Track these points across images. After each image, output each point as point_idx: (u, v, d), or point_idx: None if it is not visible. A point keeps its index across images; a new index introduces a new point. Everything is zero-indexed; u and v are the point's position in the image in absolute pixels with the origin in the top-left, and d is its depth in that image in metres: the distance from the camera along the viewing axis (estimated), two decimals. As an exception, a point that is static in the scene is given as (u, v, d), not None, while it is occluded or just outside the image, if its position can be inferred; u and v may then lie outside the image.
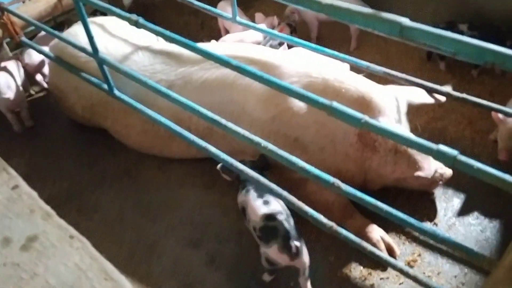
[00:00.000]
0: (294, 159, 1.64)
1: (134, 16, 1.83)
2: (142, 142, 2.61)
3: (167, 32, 1.76)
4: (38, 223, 1.06)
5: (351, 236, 1.65)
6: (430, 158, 2.15)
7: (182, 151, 2.56)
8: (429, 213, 2.22)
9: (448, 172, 2.17)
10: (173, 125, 2.12)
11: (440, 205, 2.25)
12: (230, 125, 1.81)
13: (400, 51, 3.25)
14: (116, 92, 2.39)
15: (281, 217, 1.88)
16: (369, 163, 2.12)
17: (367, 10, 1.09)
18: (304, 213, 1.71)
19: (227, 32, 3.54)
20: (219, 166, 2.12)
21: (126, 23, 2.54)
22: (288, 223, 1.87)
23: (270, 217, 1.89)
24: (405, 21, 1.03)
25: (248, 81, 2.16)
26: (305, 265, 1.87)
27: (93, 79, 2.47)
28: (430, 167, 2.08)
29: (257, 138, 1.74)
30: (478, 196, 2.25)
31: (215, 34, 3.91)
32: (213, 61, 1.68)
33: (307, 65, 2.21)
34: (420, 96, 2.34)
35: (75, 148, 2.86)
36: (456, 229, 2.14)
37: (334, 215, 2.14)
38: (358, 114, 1.28)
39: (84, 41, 2.54)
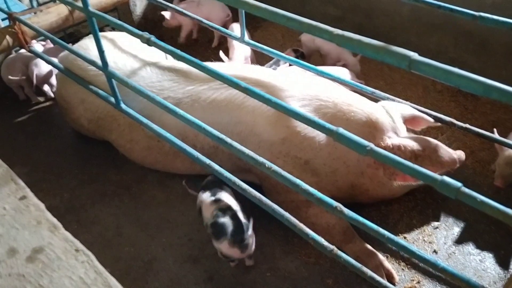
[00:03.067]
0: (297, 181, 1.66)
1: (146, 34, 1.87)
2: (145, 157, 2.63)
3: (178, 51, 1.79)
4: (45, 235, 1.07)
5: (351, 261, 1.65)
6: (449, 149, 2.21)
7: (186, 167, 2.58)
8: (430, 240, 2.23)
9: (462, 154, 2.28)
10: (179, 141, 2.14)
11: (441, 233, 2.26)
12: (235, 144, 1.83)
13: (404, 78, 3.30)
14: (123, 105, 2.42)
15: (229, 213, 2.02)
16: (392, 177, 2.13)
17: (377, 42, 1.12)
18: (305, 235, 1.72)
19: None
20: (184, 181, 2.31)
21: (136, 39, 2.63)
22: (238, 218, 2.01)
23: (219, 213, 2.02)
24: (414, 55, 1.06)
25: (257, 102, 2.18)
26: (252, 252, 2.04)
27: (100, 92, 2.50)
28: (452, 156, 2.16)
29: (261, 159, 1.75)
30: (478, 226, 2.26)
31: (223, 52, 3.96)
32: (222, 82, 1.71)
33: (316, 87, 2.24)
34: (409, 109, 2.39)
35: (78, 160, 2.87)
36: (455, 257, 2.14)
37: (334, 238, 2.16)
38: (364, 142, 1.30)
39: (94, 54, 2.59)
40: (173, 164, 2.59)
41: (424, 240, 2.23)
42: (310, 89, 2.22)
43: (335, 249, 1.67)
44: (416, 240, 2.22)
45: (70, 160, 2.88)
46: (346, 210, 1.54)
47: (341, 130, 1.36)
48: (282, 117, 2.12)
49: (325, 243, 1.68)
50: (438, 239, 2.22)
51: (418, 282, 2.04)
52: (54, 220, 1.14)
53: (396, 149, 2.07)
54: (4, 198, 1.15)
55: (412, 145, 2.09)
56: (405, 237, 2.24)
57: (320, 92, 2.19)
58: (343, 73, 2.92)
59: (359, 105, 2.16)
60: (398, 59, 1.08)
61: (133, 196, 2.61)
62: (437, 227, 2.28)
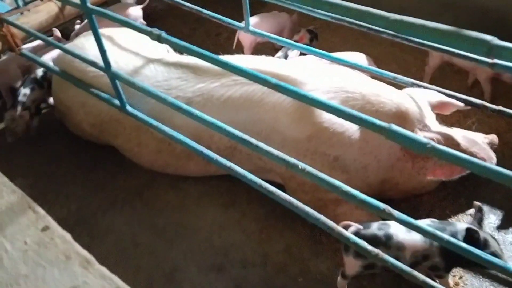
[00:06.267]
0: (336, 182, 1.52)
1: (155, 30, 1.70)
2: (155, 161, 2.46)
3: (194, 48, 1.63)
4: (77, 272, 0.93)
5: (399, 264, 1.53)
6: (482, 143, 2.11)
7: (199, 169, 2.42)
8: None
9: (495, 137, 2.25)
10: (195, 144, 1.98)
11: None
12: (262, 145, 1.68)
13: (417, 60, 3.15)
14: (129, 108, 2.25)
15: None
16: (421, 171, 2.01)
17: (445, 27, 0.97)
18: (346, 239, 1.59)
19: (240, 44, 3.40)
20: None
21: (135, 34, 2.45)
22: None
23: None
24: (493, 39, 0.92)
25: (277, 99, 2.03)
26: None
27: (103, 94, 2.33)
28: (489, 153, 2.08)
29: (293, 160, 1.61)
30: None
31: (222, 42, 3.79)
32: (248, 78, 1.55)
33: (340, 78, 2.09)
34: (437, 95, 2.26)
35: (82, 167, 2.70)
36: (496, 249, 2.03)
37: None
38: (423, 139, 1.16)
39: (92, 54, 2.41)
40: (186, 167, 2.43)
41: (460, 231, 2.11)
42: (334, 80, 2.07)
43: (380, 253, 1.55)
44: (451, 232, 2.11)
45: (74, 167, 2.71)
46: (396, 213, 1.41)
47: (394, 126, 1.22)
48: (307, 112, 1.97)
49: (369, 247, 1.56)
50: (475, 230, 2.10)
51: (461, 277, 1.93)
52: (85, 252, 0.99)
53: None
54: (24, 231, 1.00)
55: (447, 138, 1.96)
56: (439, 229, 2.12)
57: (346, 83, 2.04)
58: (360, 58, 2.77)
59: (387, 95, 2.03)
60: (474, 45, 0.93)
61: (146, 202, 2.45)
62: (471, 215, 2.16)
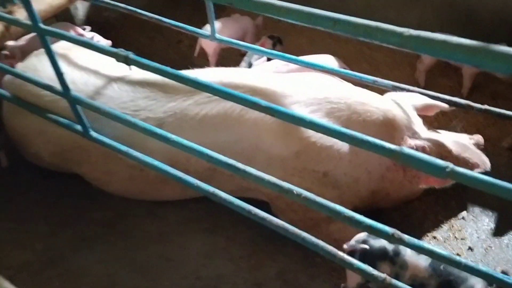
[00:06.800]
0: (337, 207, 1.39)
1: (122, 51, 1.51)
2: (127, 189, 2.26)
3: (169, 69, 1.46)
4: None
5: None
6: (473, 148, 2.04)
7: (177, 193, 2.25)
8: (462, 236, 2.05)
9: (480, 138, 2.19)
10: (170, 169, 1.80)
11: (470, 226, 2.11)
12: (251, 170, 1.53)
13: (388, 57, 3.10)
14: (93, 133, 2.03)
15: None
16: (413, 180, 1.93)
17: (470, 42, 0.86)
18: (350, 265, 1.47)
19: (203, 51, 3.22)
20: None
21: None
22: None
23: None
24: (528, 54, 0.81)
25: (258, 114, 1.88)
26: None
27: (63, 120, 2.09)
28: (481, 158, 2.03)
29: (286, 185, 1.47)
30: (508, 212, 2.11)
31: (184, 50, 3.61)
32: (236, 102, 1.40)
33: (321, 87, 1.96)
34: (421, 98, 2.18)
35: (45, 199, 2.44)
36: (493, 252, 1.98)
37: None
38: (441, 162, 1.05)
39: (46, 75, 2.18)
40: (162, 192, 2.24)
41: (455, 237, 2.05)
42: (315, 90, 1.94)
43: (387, 277, 1.44)
44: (447, 239, 2.05)
45: (36, 200, 2.44)
46: (407, 237, 1.29)
47: (406, 149, 1.10)
48: (292, 127, 1.84)
49: (376, 272, 1.45)
50: (470, 234, 2.06)
51: None
52: None
53: (421, 151, 1.86)
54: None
55: (438, 145, 1.88)
56: (434, 237, 2.05)
57: (328, 93, 1.93)
58: (329, 61, 2.66)
59: (373, 103, 1.93)
60: (507, 62, 0.82)
61: (121, 235, 2.24)
62: (463, 218, 2.11)
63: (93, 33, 3.20)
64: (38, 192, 2.50)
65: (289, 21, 1.04)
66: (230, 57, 3.44)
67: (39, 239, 2.24)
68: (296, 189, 1.45)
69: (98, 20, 3.84)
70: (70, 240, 2.23)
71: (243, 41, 3.18)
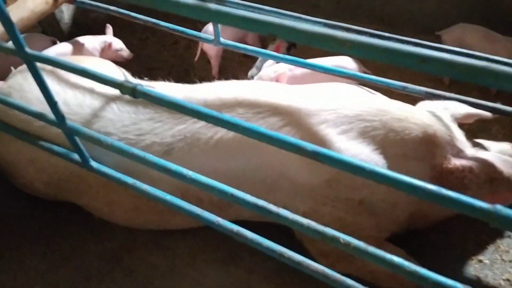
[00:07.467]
0: (396, 259, 1.18)
1: (128, 83, 1.26)
2: (132, 220, 2.02)
3: (187, 104, 1.22)
4: None
5: None
6: None
7: (188, 222, 2.02)
8: (510, 259, 1.87)
9: None
10: (182, 202, 1.57)
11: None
12: (286, 213, 1.31)
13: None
14: (93, 163, 1.78)
15: None
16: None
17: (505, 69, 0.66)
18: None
19: (203, 52, 2.98)
20: None
21: (85, 62, 1.97)
22: None
23: None
24: None
25: None
26: None
27: (58, 149, 1.85)
28: None
29: (332, 231, 1.25)
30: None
31: (182, 52, 3.34)
32: (270, 143, 1.17)
33: (350, 102, 1.73)
34: (461, 107, 1.97)
35: (42, 233, 2.20)
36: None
37: (405, 284, 1.74)
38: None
39: (34, 96, 1.96)
40: (171, 222, 2.02)
41: (503, 259, 1.86)
42: (344, 106, 1.71)
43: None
44: (494, 262, 1.85)
45: (32, 235, 2.20)
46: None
47: (500, 207, 0.89)
48: (323, 152, 1.62)
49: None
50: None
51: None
52: None
53: (468, 172, 1.65)
54: None
55: (487, 165, 1.67)
56: (480, 260, 1.86)
57: (360, 109, 1.70)
58: (347, 63, 2.43)
59: (411, 119, 1.70)
60: None
61: (127, 270, 2.02)
62: (510, 237, 1.92)
63: (105, 36, 2.93)
64: (33, 224, 2.25)
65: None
66: (233, 57, 3.21)
67: (37, 278, 2.02)
68: (343, 237, 1.23)
69: (85, 22, 3.56)
70: (71, 277, 2.00)
71: (244, 42, 2.96)
